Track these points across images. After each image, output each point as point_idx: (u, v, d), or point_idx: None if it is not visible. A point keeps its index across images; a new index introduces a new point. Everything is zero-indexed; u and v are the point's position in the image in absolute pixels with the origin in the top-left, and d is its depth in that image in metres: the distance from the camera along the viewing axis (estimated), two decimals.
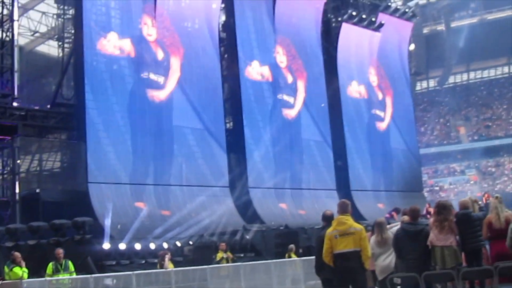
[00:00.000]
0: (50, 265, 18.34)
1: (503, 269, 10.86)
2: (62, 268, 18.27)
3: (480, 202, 14.03)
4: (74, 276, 18.29)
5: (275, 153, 37.46)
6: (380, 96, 47.67)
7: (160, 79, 32.28)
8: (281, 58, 39.77)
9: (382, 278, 12.47)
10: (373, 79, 47.40)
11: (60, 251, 18.59)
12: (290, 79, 39.89)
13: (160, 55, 32.47)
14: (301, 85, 40.56)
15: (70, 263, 18.50)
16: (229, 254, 23.63)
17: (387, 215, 16.49)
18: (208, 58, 34.93)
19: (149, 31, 32.31)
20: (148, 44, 32.13)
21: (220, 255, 23.16)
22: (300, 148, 39.42)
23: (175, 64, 33.07)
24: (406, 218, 12.77)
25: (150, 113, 31.56)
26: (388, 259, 12.66)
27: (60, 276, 17.87)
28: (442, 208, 11.75)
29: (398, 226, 12.78)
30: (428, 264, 11.63)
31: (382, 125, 47.22)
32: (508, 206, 12.53)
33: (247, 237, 28.52)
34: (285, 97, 39.41)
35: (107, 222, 26.24)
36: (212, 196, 32.14)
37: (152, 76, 31.96)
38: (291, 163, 38.45)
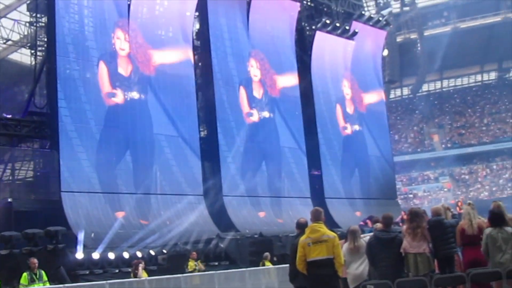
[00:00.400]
0: (25, 275, 18.24)
1: (475, 276, 10.90)
2: (36, 278, 18.20)
3: (452, 210, 14.11)
4: (48, 286, 18.20)
5: (249, 160, 37.43)
6: (355, 103, 47.80)
7: (136, 88, 32.24)
8: (255, 72, 39.83)
9: (354, 287, 12.49)
10: (347, 92, 47.52)
11: (35, 261, 18.51)
12: (261, 93, 39.87)
13: (131, 71, 32.46)
14: (277, 93, 40.58)
15: (43, 273, 18.43)
16: (200, 264, 23.61)
17: (361, 223, 16.56)
18: (182, 66, 34.86)
19: (122, 45, 32.25)
20: (120, 59, 32.10)
21: (191, 264, 23.12)
22: (275, 156, 39.38)
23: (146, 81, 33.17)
24: (379, 225, 12.81)
25: (124, 121, 31.45)
26: (361, 267, 12.68)
27: (35, 286, 17.79)
28: (415, 215, 11.79)
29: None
30: (401, 271, 11.65)
31: (356, 133, 47.32)
32: (482, 213, 12.58)
33: (222, 245, 28.46)
34: (261, 107, 39.42)
35: (81, 232, 26.09)
36: (186, 204, 32.06)
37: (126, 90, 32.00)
38: (265, 171, 38.43)
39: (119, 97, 31.50)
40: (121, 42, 32.20)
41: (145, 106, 32.60)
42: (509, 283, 10.98)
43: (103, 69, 31.19)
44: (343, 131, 46.07)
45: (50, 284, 18.63)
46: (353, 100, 47.89)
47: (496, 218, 11.31)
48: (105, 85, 31.18)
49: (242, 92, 38.53)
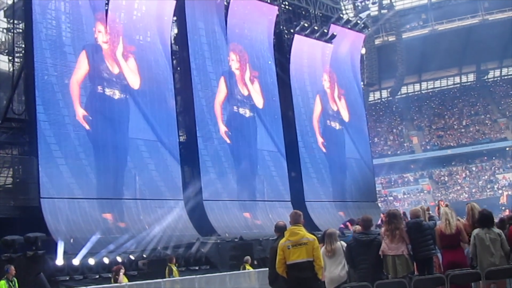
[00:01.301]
0: (4, 282, 18.29)
1: (454, 277, 11.01)
2: (13, 285, 18.29)
3: (431, 212, 14.24)
4: None
5: (229, 164, 37.48)
6: (334, 107, 47.97)
7: (116, 93, 32.20)
8: (236, 65, 39.92)
9: None
10: (327, 88, 47.70)
11: (13, 268, 18.61)
12: (245, 91, 39.97)
13: (115, 68, 32.42)
14: (256, 96, 40.70)
15: (16, 280, 18.61)
16: (174, 269, 23.62)
17: (342, 226, 16.64)
18: (160, 70, 34.87)
19: (104, 38, 32.26)
20: (102, 54, 32.09)
21: (174, 269, 23.14)
22: (255, 159, 39.45)
23: (131, 76, 33.14)
24: (358, 228, 12.92)
25: (104, 125, 31.41)
26: (337, 269, 12.76)
27: None
28: (393, 217, 11.90)
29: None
30: (380, 273, 11.76)
31: (336, 135, 47.48)
32: (461, 215, 12.71)
33: (202, 250, 28.49)
34: (241, 110, 39.48)
35: (61, 241, 26.03)
36: (166, 209, 32.03)
37: (107, 91, 31.89)
38: (245, 175, 38.48)
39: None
40: (103, 36, 32.23)
41: (124, 110, 32.59)
42: (497, 284, 11.13)
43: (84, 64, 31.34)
44: (322, 133, 46.13)
45: None
46: (333, 98, 48.04)
47: (485, 218, 11.44)
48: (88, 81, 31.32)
49: (223, 87, 38.72)
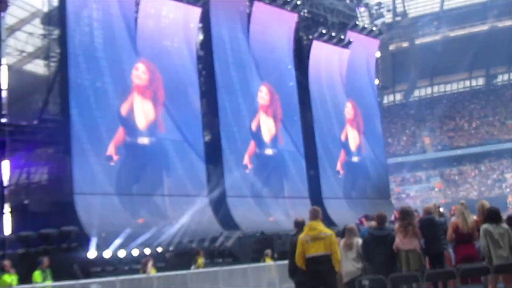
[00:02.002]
0: (38, 273, 18.43)
1: (465, 271, 10.98)
2: (47, 276, 18.43)
3: (441, 209, 14.20)
4: (61, 283, 18.33)
5: (251, 163, 37.54)
6: (351, 112, 47.98)
7: (144, 90, 32.47)
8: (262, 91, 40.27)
9: (348, 281, 12.55)
10: (347, 107, 47.85)
11: (46, 260, 18.77)
12: (266, 100, 40.19)
13: (143, 77, 32.67)
14: (276, 104, 40.85)
15: (49, 271, 18.73)
16: (200, 261, 23.66)
17: (357, 221, 16.60)
18: (187, 74, 35.00)
19: (134, 36, 32.55)
20: (134, 51, 32.37)
21: (199, 261, 23.19)
22: (275, 158, 39.48)
23: (157, 85, 33.35)
24: (373, 223, 12.90)
25: (133, 126, 31.55)
26: (354, 262, 12.74)
27: (47, 283, 17.94)
28: (406, 214, 11.89)
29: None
30: (394, 266, 11.75)
31: (352, 138, 47.46)
32: (471, 212, 12.66)
33: (226, 244, 28.55)
34: (264, 114, 39.70)
35: (92, 232, 26.19)
36: (191, 205, 32.08)
37: (139, 91, 32.20)
38: (266, 173, 38.53)
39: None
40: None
41: (154, 109, 32.80)
42: (502, 278, 11.08)
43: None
44: (338, 134, 46.15)
45: (62, 281, 18.80)
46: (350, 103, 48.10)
47: (494, 214, 11.40)
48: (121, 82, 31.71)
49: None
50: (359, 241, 12.58)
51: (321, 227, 11.39)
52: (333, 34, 46.03)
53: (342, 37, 46.80)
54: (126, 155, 30.92)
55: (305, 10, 45.98)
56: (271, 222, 35.65)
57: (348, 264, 12.42)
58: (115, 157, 30.50)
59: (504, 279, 11.19)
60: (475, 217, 12.32)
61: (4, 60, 29.13)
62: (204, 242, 28.02)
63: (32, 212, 27.98)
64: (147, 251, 25.18)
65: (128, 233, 26.84)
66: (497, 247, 10.98)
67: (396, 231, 11.83)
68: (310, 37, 45.31)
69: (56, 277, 19.19)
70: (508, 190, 69.10)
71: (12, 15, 33.06)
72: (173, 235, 27.91)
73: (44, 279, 18.32)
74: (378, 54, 53.01)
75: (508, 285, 11.21)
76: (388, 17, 66.01)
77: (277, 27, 41.50)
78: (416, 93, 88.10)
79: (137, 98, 32.20)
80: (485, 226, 11.21)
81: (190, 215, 30.83)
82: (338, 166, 45.11)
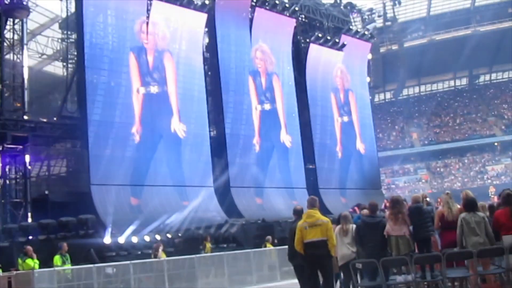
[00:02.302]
0: (58, 257, 18.50)
1: (450, 255, 10.99)
2: (66, 259, 18.49)
3: (428, 199, 14.21)
4: (79, 266, 18.43)
5: (252, 156, 37.58)
6: (345, 107, 47.97)
7: (154, 88, 32.42)
8: (260, 66, 40.21)
9: (342, 264, 12.57)
10: (340, 89, 47.81)
11: (65, 245, 18.86)
12: (267, 83, 40.27)
13: (155, 62, 32.73)
14: (277, 91, 40.93)
15: (68, 256, 18.80)
16: (208, 246, 23.70)
17: (350, 210, 16.54)
18: (194, 75, 34.99)
19: (145, 38, 32.55)
20: (145, 53, 32.36)
21: (207, 246, 23.26)
22: (275, 152, 39.52)
23: (169, 70, 33.40)
24: (365, 211, 12.92)
25: (145, 122, 31.57)
26: (348, 247, 12.77)
27: (66, 267, 18.02)
28: (396, 203, 11.90)
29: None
30: (385, 251, 11.76)
31: (346, 131, 47.44)
32: (456, 201, 12.66)
33: (231, 230, 28.59)
34: (265, 106, 39.75)
35: (108, 219, 26.26)
36: (198, 195, 32.09)
37: (150, 89, 32.17)
38: (267, 165, 38.60)
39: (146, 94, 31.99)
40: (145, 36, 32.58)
41: (164, 107, 32.82)
42: (481, 261, 11.11)
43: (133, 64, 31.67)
44: (333, 129, 46.19)
45: (81, 264, 18.87)
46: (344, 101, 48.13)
47: (470, 204, 11.40)
48: (134, 81, 31.63)
49: (251, 84, 39.09)
50: (354, 227, 12.60)
51: (318, 214, 11.43)
52: (329, 37, 46.08)
53: (337, 40, 46.84)
54: (137, 148, 30.96)
55: (303, 16, 46.00)
56: (272, 210, 35.60)
57: (343, 248, 12.44)
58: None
59: (482, 262, 11.22)
60: (459, 206, 12.32)
61: (26, 62, 29.15)
62: (210, 229, 28.04)
63: (52, 202, 28.08)
64: (158, 237, 25.22)
65: (140, 221, 26.90)
66: (474, 234, 10.99)
67: (387, 219, 11.85)
68: (307, 40, 45.33)
69: (74, 261, 19.26)
70: (489, 181, 69.15)
71: (33, 20, 33.14)
72: (181, 222, 27.95)
73: (63, 263, 18.40)
74: (369, 56, 52.97)
75: (485, 267, 11.26)
76: (379, 22, 65.85)
77: (277, 30, 41.49)
78: (405, 92, 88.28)
79: None
80: (463, 215, 11.23)
81: (197, 204, 30.89)
82: (333, 159, 45.10)
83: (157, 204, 30.30)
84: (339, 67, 47.59)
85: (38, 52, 33.16)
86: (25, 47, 29.32)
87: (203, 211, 30.80)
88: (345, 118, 47.72)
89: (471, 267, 11.12)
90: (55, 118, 30.32)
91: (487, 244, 10.87)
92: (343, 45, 47.25)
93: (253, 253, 23.23)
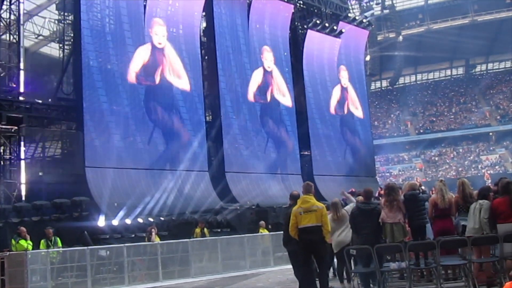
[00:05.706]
0: (43, 241, 18.59)
1: (444, 243, 10.98)
2: (52, 244, 18.50)
3: (423, 187, 14.21)
4: (73, 248, 18.43)
5: (247, 142, 37.52)
6: (343, 94, 47.92)
7: (151, 72, 32.39)
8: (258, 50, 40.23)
9: (338, 251, 12.56)
10: (340, 78, 47.79)
11: (50, 231, 18.89)
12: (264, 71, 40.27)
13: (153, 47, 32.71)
14: (275, 77, 40.92)
15: (58, 239, 18.80)
16: (204, 230, 23.65)
17: (344, 197, 16.52)
18: (190, 59, 34.85)
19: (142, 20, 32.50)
20: (143, 35, 32.32)
21: (197, 231, 23.21)
22: (270, 138, 39.46)
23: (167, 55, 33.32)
24: (360, 198, 12.90)
25: (139, 105, 31.47)
26: (343, 234, 12.78)
27: (50, 250, 18.05)
28: (391, 190, 11.88)
29: (353, 205, 12.97)
30: (380, 238, 11.75)
31: (342, 118, 47.39)
32: (450, 190, 12.65)
33: (225, 215, 28.61)
34: (261, 92, 39.69)
35: (102, 202, 26.25)
36: (193, 179, 32.11)
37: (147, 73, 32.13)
38: (261, 151, 38.54)
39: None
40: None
41: (159, 92, 32.70)
42: (474, 249, 11.11)
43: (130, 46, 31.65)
44: (329, 116, 46.12)
45: (75, 246, 18.89)
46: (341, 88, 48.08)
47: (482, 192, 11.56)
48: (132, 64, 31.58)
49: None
50: (348, 210, 12.59)
51: (313, 200, 11.43)
52: (327, 24, 45.92)
53: (335, 27, 46.66)
54: (132, 132, 30.90)
55: (301, 2, 45.85)
56: (266, 195, 35.58)
57: (337, 235, 12.44)
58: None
59: (482, 250, 11.23)
60: (452, 195, 12.31)
61: (22, 43, 28.98)
62: (204, 213, 28.05)
63: (47, 184, 28.01)
64: (151, 220, 25.22)
65: (134, 204, 26.90)
66: (471, 221, 11.11)
67: (382, 206, 11.82)
68: (305, 26, 45.19)
69: (67, 243, 19.25)
70: (483, 170, 69.31)
71: (30, 1, 32.81)
72: (175, 206, 27.96)
73: (48, 247, 18.43)
74: (367, 43, 52.88)
75: (485, 255, 11.26)
76: (377, 10, 65.76)
77: (274, 17, 41.35)
78: (401, 80, 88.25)
79: None
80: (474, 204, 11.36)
81: (192, 188, 30.88)
82: (329, 146, 45.09)
83: (151, 187, 30.19)
84: (336, 54, 47.46)
85: (35, 33, 32.87)
86: (21, 27, 29.14)
87: (197, 196, 30.84)
88: (342, 105, 47.63)
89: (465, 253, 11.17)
90: (50, 100, 30.18)
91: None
92: (341, 32, 47.14)
93: (247, 238, 23.26)
